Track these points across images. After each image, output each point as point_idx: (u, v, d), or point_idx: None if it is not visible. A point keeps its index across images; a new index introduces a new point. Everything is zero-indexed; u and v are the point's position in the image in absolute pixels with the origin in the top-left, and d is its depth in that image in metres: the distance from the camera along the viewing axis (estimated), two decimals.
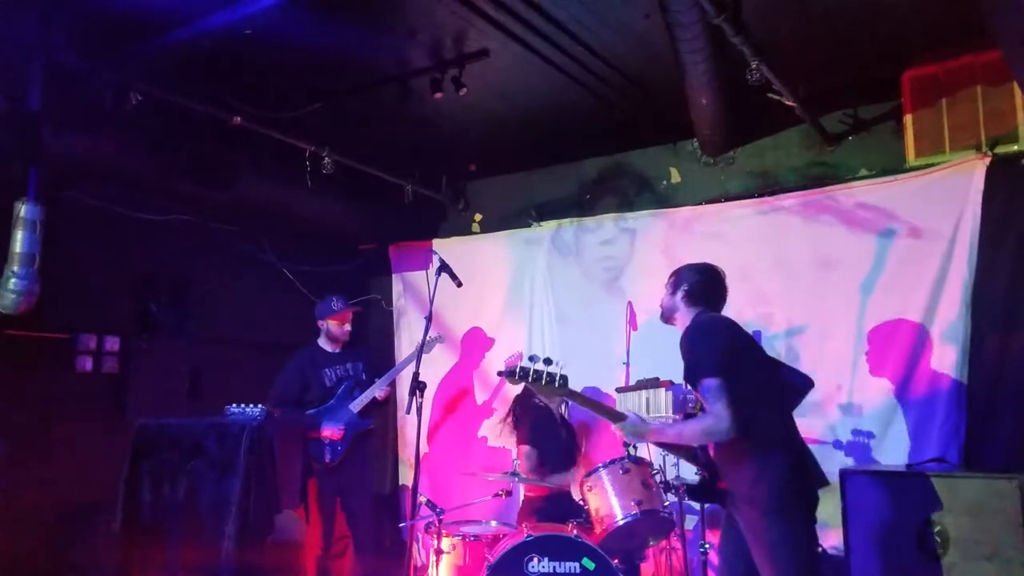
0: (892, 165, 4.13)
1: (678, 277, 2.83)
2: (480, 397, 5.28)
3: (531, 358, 2.53)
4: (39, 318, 3.84)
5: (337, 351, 4.39)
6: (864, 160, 4.28)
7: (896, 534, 3.20)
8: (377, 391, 4.24)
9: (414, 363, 4.09)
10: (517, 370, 2.53)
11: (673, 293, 2.80)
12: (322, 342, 4.39)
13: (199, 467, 3.37)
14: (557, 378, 2.54)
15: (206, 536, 3.39)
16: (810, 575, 2.43)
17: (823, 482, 2.57)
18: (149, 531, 3.40)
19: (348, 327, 4.38)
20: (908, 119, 4.00)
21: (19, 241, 3.59)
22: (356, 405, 4.22)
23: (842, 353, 4.09)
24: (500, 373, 2.57)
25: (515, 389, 4.74)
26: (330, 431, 4.12)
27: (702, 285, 2.78)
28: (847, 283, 4.13)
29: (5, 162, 3.61)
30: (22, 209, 3.60)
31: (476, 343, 5.34)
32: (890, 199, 4.04)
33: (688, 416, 2.77)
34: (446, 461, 5.28)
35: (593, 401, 2.64)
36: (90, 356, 4.19)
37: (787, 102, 3.80)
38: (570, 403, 4.56)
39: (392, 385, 4.44)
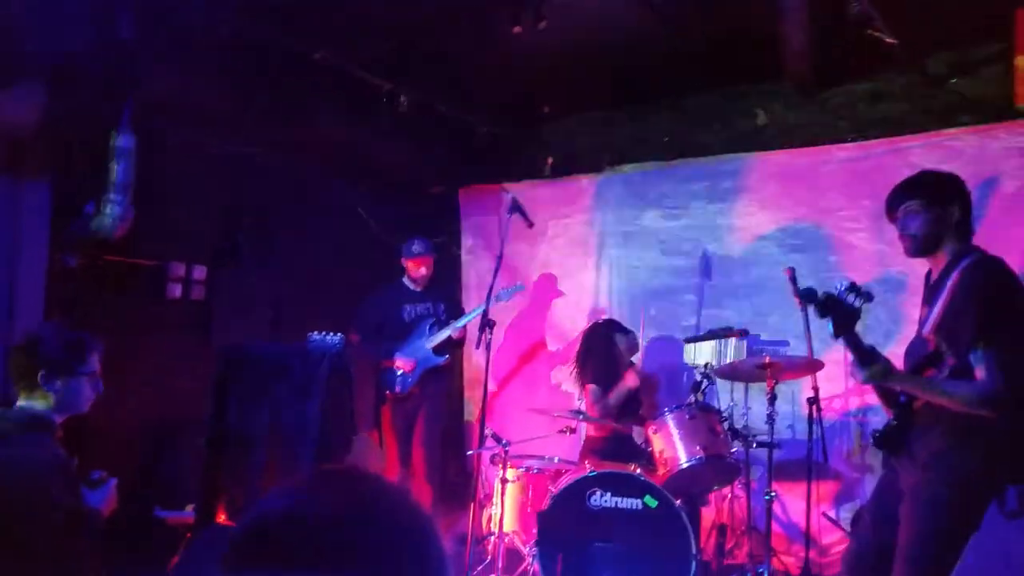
0: (998, 112, 3.86)
1: (945, 193, 2.19)
2: (553, 344, 5.27)
3: (851, 286, 2.08)
4: (133, 246, 4.05)
5: (419, 290, 4.51)
6: (968, 105, 4.00)
7: None
8: (452, 331, 4.33)
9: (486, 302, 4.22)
10: (825, 298, 2.07)
11: (940, 218, 2.17)
12: (406, 280, 4.51)
13: (281, 390, 3.54)
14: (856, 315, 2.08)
15: (287, 455, 3.57)
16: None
17: None
18: (234, 448, 3.60)
19: (424, 271, 4.44)
20: (1020, 61, 3.72)
21: (115, 170, 3.76)
22: (431, 341, 4.35)
23: None
24: (801, 295, 2.08)
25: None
26: (402, 362, 4.28)
27: (969, 210, 2.18)
28: None
29: (100, 94, 3.75)
30: (118, 139, 3.76)
31: (548, 288, 5.33)
32: (995, 146, 3.80)
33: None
34: (515, 401, 5.34)
35: (857, 338, 2.11)
36: (179, 283, 4.40)
37: (888, 40, 3.57)
38: (640, 355, 4.51)
39: (466, 327, 4.51)
